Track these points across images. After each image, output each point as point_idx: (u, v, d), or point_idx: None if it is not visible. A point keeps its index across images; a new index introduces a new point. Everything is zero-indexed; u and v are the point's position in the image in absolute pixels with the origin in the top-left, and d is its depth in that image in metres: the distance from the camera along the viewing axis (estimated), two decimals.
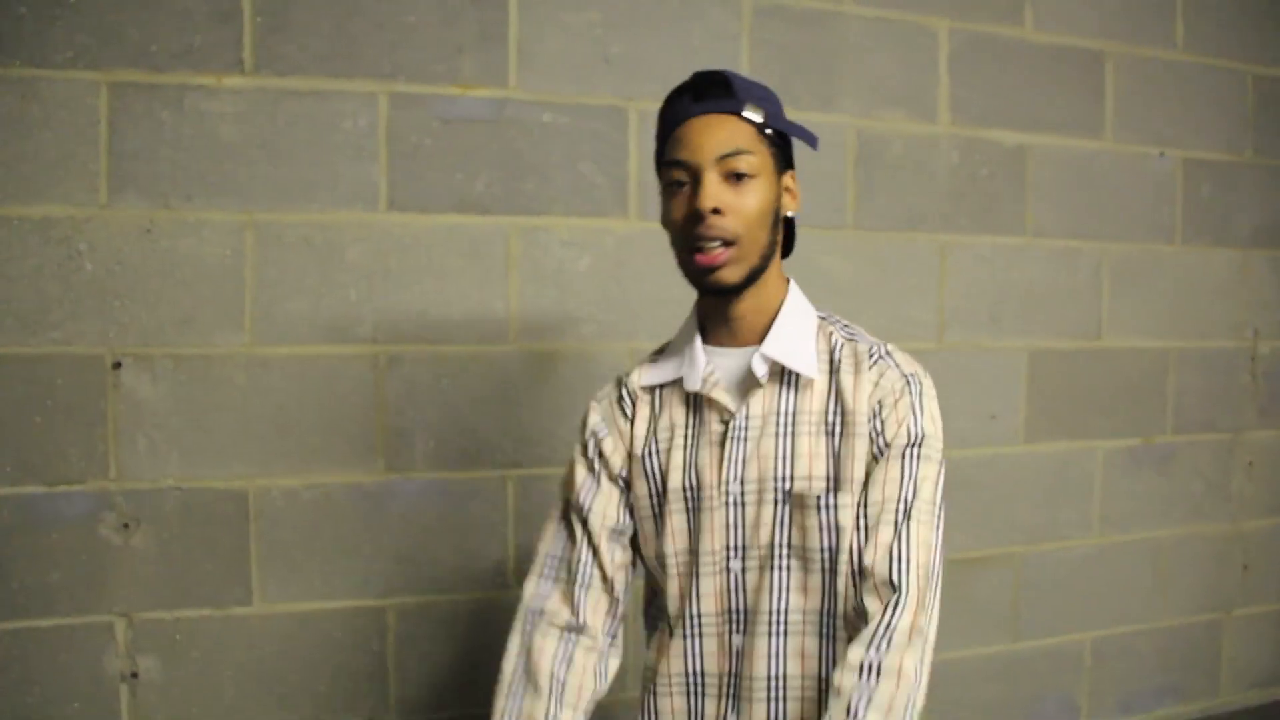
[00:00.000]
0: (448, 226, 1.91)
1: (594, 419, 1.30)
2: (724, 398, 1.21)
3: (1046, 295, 2.40)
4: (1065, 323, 2.43)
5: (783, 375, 1.21)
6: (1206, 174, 2.56)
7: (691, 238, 1.15)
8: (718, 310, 1.23)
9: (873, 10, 2.21)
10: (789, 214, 1.24)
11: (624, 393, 1.30)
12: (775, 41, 2.13)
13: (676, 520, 1.23)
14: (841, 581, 1.16)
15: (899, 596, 1.11)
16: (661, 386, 1.28)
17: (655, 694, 1.27)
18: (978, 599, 2.35)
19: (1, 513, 1.69)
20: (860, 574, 1.14)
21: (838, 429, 1.19)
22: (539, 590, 1.26)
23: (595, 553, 1.25)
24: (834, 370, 1.21)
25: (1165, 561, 2.56)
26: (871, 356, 1.21)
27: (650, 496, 1.25)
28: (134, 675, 1.76)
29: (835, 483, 1.17)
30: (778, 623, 1.18)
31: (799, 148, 1.26)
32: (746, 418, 1.20)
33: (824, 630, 1.19)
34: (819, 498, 1.17)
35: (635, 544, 1.29)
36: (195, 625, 1.79)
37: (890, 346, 1.23)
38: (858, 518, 1.16)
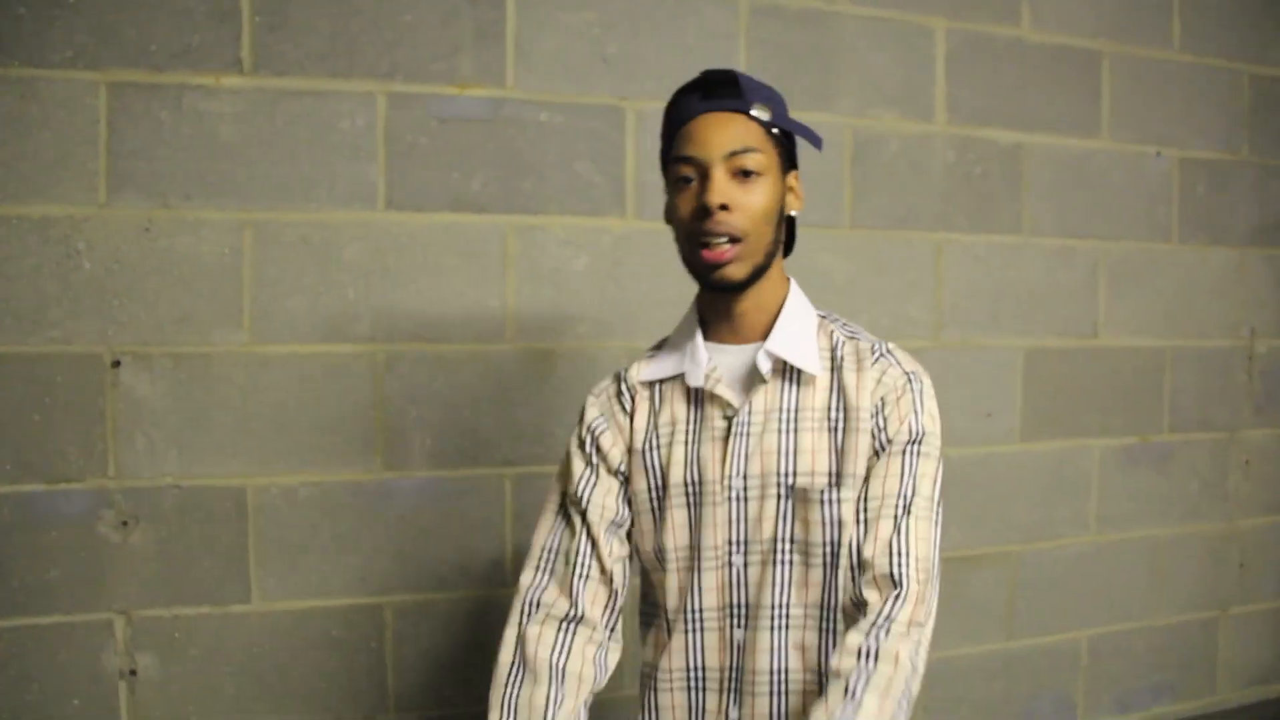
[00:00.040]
0: (445, 225, 1.92)
1: (592, 413, 1.30)
2: (727, 393, 1.22)
3: (1043, 294, 2.40)
4: (1062, 321, 2.43)
5: (785, 372, 1.22)
6: (1203, 173, 2.56)
7: (698, 233, 1.16)
8: (720, 307, 1.24)
9: (869, 9, 2.21)
10: (792, 213, 1.25)
11: (623, 387, 1.30)
12: (772, 41, 2.14)
13: (677, 515, 1.23)
14: (841, 575, 1.17)
15: (898, 590, 1.12)
16: (661, 382, 1.28)
17: (655, 689, 1.27)
18: (974, 597, 2.35)
19: (1, 511, 1.70)
20: (859, 567, 1.15)
21: (840, 425, 1.20)
22: (536, 581, 1.25)
23: (594, 544, 1.25)
24: (836, 367, 1.22)
25: (1162, 560, 2.57)
26: (873, 354, 1.22)
27: (650, 491, 1.25)
28: (133, 673, 1.77)
29: (837, 478, 1.18)
30: (779, 617, 1.19)
31: (799, 147, 1.27)
32: (749, 414, 1.21)
33: (824, 624, 1.20)
34: (821, 492, 1.18)
35: (631, 538, 1.30)
36: (194, 623, 1.80)
37: (891, 345, 1.24)
38: (858, 512, 1.17)
